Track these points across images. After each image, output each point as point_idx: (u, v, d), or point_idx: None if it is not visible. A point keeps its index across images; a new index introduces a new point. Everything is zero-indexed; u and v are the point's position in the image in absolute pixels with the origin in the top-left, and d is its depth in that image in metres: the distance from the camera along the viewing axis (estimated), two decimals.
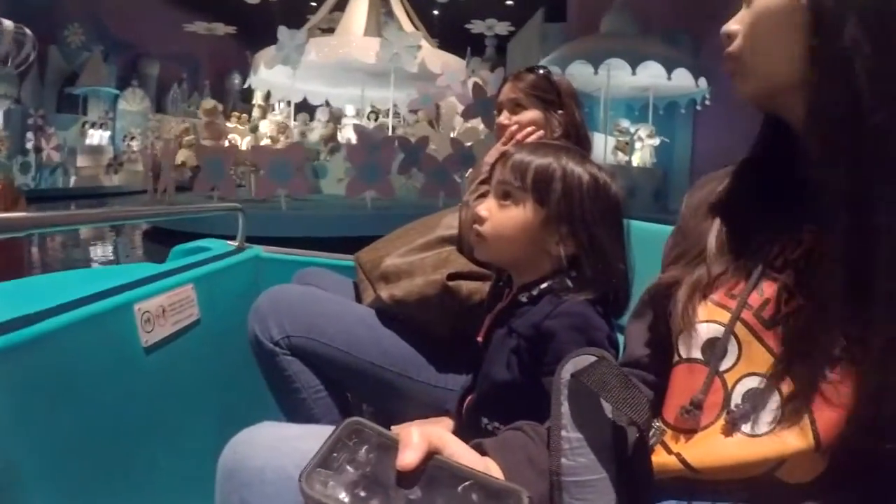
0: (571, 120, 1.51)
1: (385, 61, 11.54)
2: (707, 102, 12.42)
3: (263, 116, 16.05)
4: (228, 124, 19.19)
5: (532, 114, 1.52)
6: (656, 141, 13.25)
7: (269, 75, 13.16)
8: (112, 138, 21.52)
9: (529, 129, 1.49)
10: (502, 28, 21.92)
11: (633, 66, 11.86)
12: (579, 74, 11.74)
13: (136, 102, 22.79)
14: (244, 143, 15.04)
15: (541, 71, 1.56)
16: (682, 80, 12.16)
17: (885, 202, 0.53)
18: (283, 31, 11.71)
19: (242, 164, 11.29)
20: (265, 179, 9.70)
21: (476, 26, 22.14)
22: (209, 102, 13.05)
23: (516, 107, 1.53)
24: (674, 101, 13.63)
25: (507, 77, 1.61)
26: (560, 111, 1.51)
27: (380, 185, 9.82)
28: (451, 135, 11.91)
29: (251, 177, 10.87)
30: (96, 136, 20.87)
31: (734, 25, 0.66)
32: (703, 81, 12.18)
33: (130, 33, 22.80)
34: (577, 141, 1.44)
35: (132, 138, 22.00)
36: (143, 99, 23.09)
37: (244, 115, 19.60)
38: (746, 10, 0.65)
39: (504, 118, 1.55)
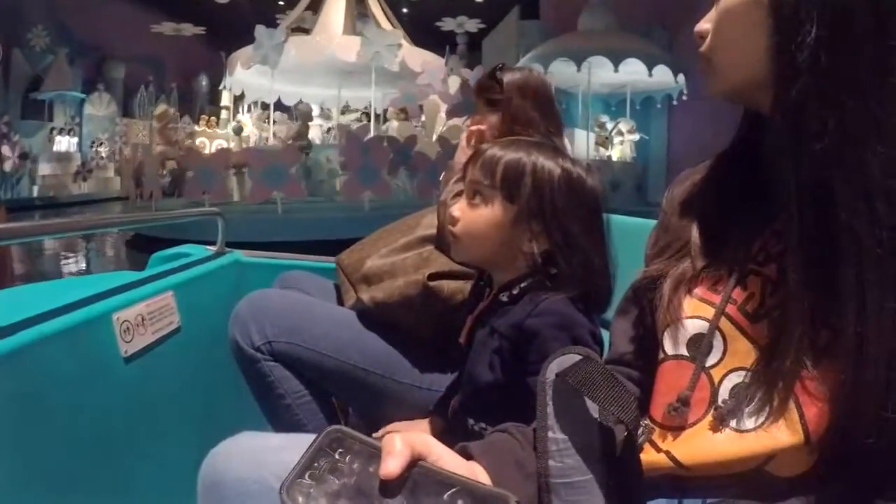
0: (514, 114, 1.48)
1: (367, 60, 11.45)
2: (684, 97, 12.57)
3: (233, 118, 15.72)
4: (196, 128, 18.65)
5: (479, 115, 1.54)
6: (636, 136, 13.42)
7: (245, 76, 12.96)
8: (79, 144, 20.73)
9: (473, 128, 1.51)
10: (472, 25, 22.14)
11: (616, 63, 12.05)
12: (558, 72, 11.86)
13: (103, 107, 21.90)
14: (213, 147, 14.68)
15: (497, 72, 1.54)
16: (662, 76, 12.32)
17: (845, 200, 0.53)
18: (260, 30, 11.47)
19: (230, 168, 11.03)
20: (259, 183, 9.60)
21: (446, 24, 22.18)
22: (161, 107, 12.64)
23: (474, 111, 1.57)
24: (650, 97, 13.79)
25: None
26: (498, 110, 1.50)
27: (376, 186, 9.81)
28: (434, 133, 11.86)
29: (234, 179, 10.70)
30: (64, 143, 20.05)
31: (705, 24, 0.66)
32: (681, 77, 12.36)
33: (96, 35, 21.99)
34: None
35: (100, 144, 21.27)
36: (109, 103, 22.16)
37: (213, 117, 19.16)
38: (715, 9, 0.65)
39: (469, 122, 1.58)
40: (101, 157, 20.99)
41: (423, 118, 13.41)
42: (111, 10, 22.12)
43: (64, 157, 19.67)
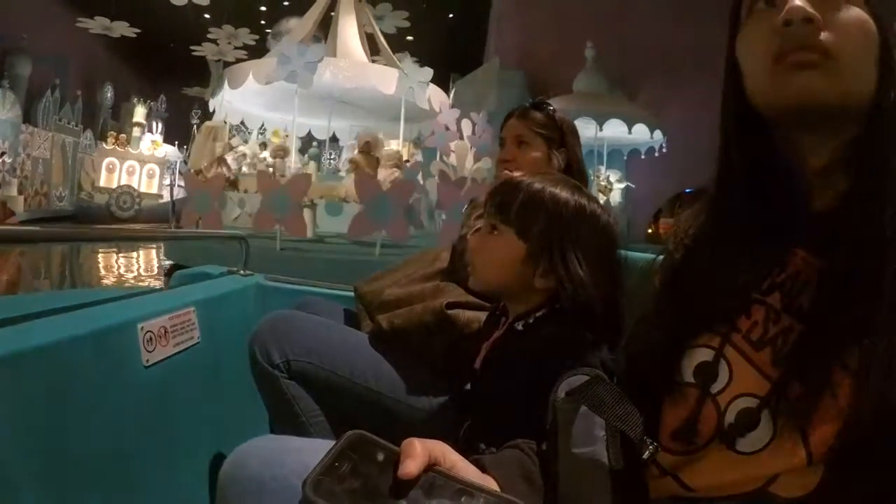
0: (573, 158, 1.55)
1: (402, 93, 10.98)
2: (656, 152, 13.74)
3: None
4: (104, 145, 16.13)
5: (536, 153, 1.56)
6: (623, 184, 14.60)
7: (230, 95, 11.12)
8: None
9: (505, 166, 1.56)
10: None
11: (630, 126, 12.72)
12: None
13: (6, 108, 17.17)
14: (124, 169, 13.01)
15: (549, 109, 1.59)
16: (642, 133, 13.26)
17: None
18: (288, 46, 10.13)
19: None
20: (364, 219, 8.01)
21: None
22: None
23: (521, 143, 1.57)
24: (616, 149, 14.73)
25: (513, 112, 1.64)
26: (562, 149, 1.55)
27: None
28: (465, 174, 11.46)
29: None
30: None
31: (810, 9, 0.60)
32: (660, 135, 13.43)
33: (5, 21, 17.53)
34: (576, 178, 1.48)
35: (2, 154, 16.70)
36: (13, 104, 17.39)
37: (121, 135, 16.87)
38: (826, 10, 0.61)
39: (507, 153, 1.58)
40: (4, 171, 16.70)
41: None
42: None
43: None
